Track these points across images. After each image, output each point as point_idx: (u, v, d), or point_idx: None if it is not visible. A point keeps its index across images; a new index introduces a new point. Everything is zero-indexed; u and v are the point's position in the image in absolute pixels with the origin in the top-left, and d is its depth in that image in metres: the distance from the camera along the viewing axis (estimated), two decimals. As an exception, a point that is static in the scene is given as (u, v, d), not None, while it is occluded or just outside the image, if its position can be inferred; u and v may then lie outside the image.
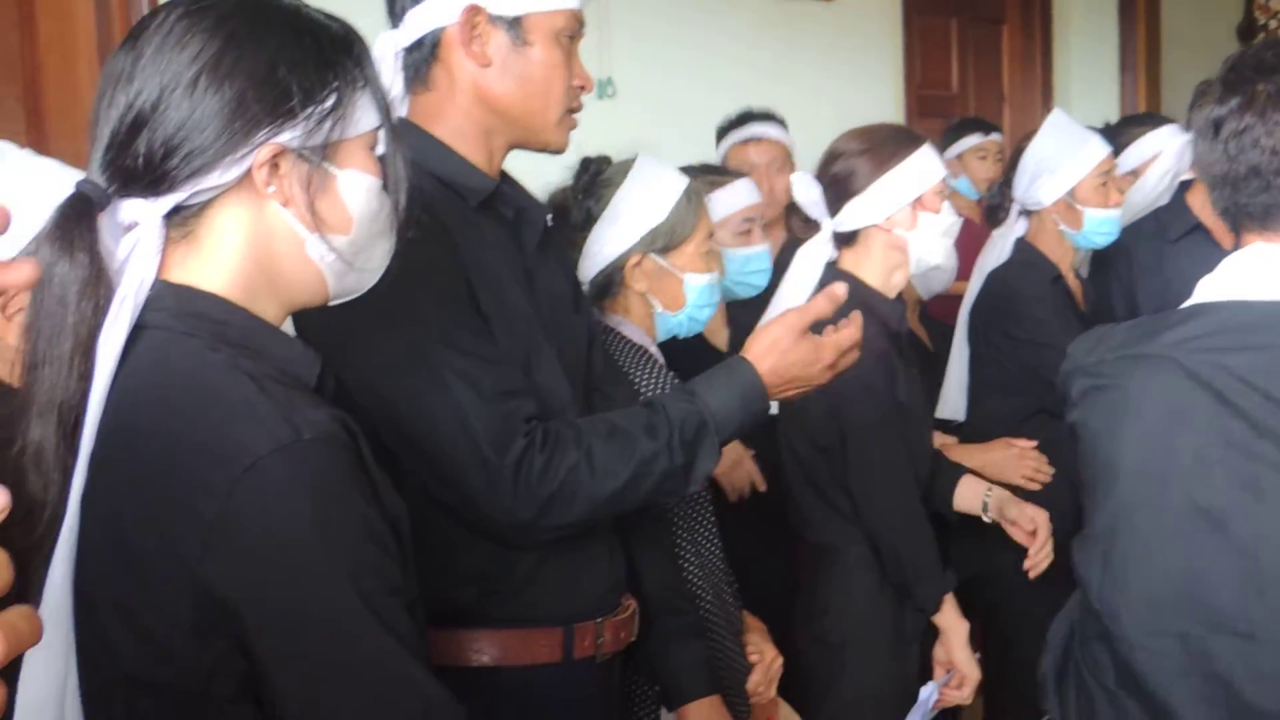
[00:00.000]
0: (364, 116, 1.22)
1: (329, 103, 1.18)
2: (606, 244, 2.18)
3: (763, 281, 2.67)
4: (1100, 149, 3.00)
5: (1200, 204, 3.17)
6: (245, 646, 1.08)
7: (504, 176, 1.78)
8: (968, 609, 2.44)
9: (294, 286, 1.23)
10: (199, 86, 1.14)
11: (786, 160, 3.51)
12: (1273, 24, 6.59)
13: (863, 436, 2.35)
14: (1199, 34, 6.03)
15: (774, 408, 1.74)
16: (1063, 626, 1.69)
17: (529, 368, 1.66)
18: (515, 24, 1.67)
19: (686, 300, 2.21)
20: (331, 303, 1.28)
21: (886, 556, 2.38)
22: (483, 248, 1.67)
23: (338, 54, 1.20)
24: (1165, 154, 3.36)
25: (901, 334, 2.51)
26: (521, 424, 1.56)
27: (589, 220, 2.18)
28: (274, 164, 1.16)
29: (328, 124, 1.18)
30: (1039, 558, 2.46)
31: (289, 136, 1.16)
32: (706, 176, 2.68)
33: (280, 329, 1.24)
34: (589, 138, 1.86)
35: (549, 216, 1.87)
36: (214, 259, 1.18)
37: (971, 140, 4.42)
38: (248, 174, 1.16)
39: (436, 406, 1.54)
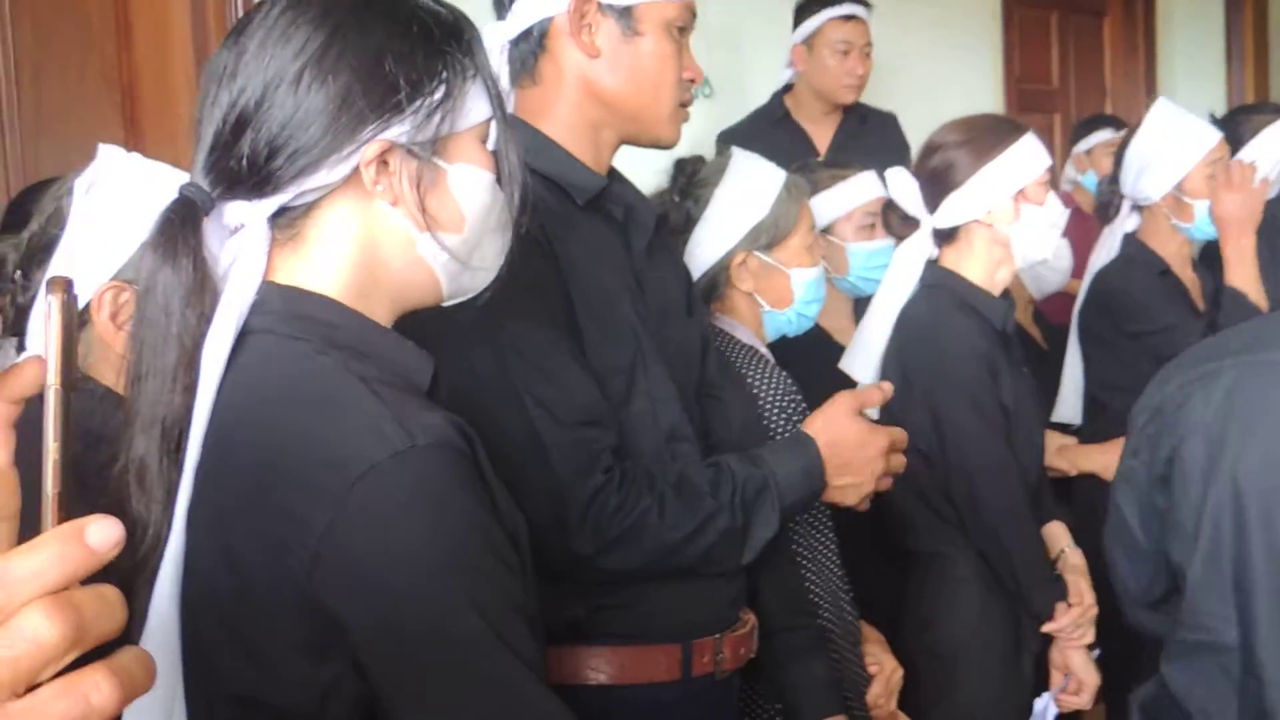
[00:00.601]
0: (475, 108, 1.16)
1: (438, 95, 1.13)
2: (709, 245, 2.13)
3: None
4: (1209, 138, 2.87)
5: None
6: (359, 665, 1.03)
7: (613, 174, 1.74)
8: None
9: (405, 287, 1.18)
10: (303, 82, 1.09)
11: (870, 43, 3.60)
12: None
13: (963, 440, 2.30)
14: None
15: None
16: (1151, 687, 1.60)
17: (633, 381, 1.62)
18: (626, 13, 1.63)
19: (794, 296, 2.17)
20: (446, 303, 1.23)
21: (997, 565, 2.32)
22: (588, 255, 1.62)
23: (447, 43, 1.14)
24: (1274, 144, 3.22)
25: (1008, 333, 2.43)
26: (601, 457, 1.53)
27: (689, 223, 2.14)
28: (382, 161, 1.11)
29: (437, 117, 1.13)
30: (1064, 625, 2.33)
31: (397, 132, 1.11)
32: (828, 170, 2.63)
33: (392, 330, 1.19)
34: (688, 135, 1.81)
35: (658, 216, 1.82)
36: (322, 261, 1.14)
37: (1103, 135, 4.32)
38: (355, 172, 1.11)
39: (515, 431, 1.50)
